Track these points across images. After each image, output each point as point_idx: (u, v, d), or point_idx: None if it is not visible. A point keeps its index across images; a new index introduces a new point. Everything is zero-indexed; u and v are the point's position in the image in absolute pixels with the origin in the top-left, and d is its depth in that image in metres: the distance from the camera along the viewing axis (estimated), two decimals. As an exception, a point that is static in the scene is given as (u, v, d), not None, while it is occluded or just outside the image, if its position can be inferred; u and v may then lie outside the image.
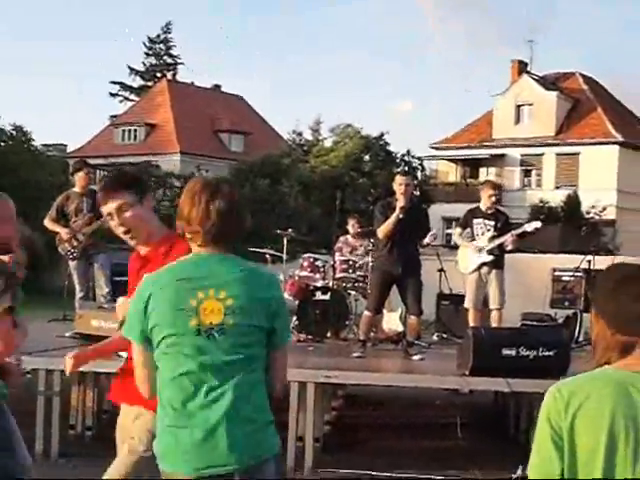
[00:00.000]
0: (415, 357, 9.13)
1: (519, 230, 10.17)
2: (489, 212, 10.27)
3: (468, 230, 10.41)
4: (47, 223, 10.27)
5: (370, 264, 10.84)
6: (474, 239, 10.26)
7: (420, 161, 38.76)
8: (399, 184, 9.19)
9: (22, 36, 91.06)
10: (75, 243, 10.12)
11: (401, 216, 9.02)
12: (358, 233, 11.97)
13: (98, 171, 45.73)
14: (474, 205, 10.65)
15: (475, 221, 10.29)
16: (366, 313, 9.47)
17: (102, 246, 10.26)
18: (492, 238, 10.09)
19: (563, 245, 26.72)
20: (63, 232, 10.13)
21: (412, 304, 9.25)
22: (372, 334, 10.93)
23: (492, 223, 10.19)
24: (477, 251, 10.12)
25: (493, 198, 10.29)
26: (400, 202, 9.05)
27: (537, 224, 10.41)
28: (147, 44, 63.65)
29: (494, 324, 10.02)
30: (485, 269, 10.10)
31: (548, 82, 49.15)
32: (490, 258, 10.05)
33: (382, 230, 9.17)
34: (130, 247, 4.14)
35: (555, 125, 47.06)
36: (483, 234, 10.19)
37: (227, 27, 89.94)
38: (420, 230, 9.30)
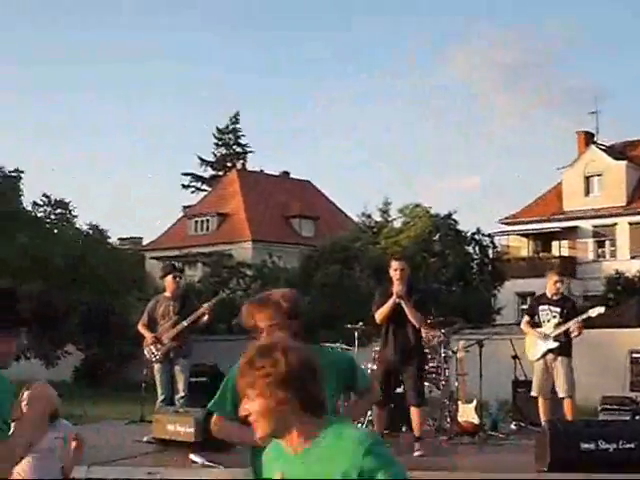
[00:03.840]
0: (415, 454, 8.97)
1: (583, 316, 10.11)
2: (555, 298, 10.26)
3: (535, 317, 10.38)
4: (139, 327, 10.65)
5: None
6: (540, 326, 10.22)
7: (490, 238, 38.41)
8: (393, 269, 9.27)
9: (92, 132, 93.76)
10: (159, 346, 10.34)
11: (397, 301, 9.02)
12: (431, 323, 11.92)
13: (175, 263, 46.57)
14: (540, 292, 10.64)
15: (541, 308, 10.30)
16: (374, 407, 9.29)
17: (185, 349, 10.45)
18: (558, 324, 10.04)
19: (643, 318, 26.09)
20: (148, 336, 10.45)
21: (409, 394, 9.26)
22: (448, 426, 10.86)
23: (558, 310, 10.16)
24: (543, 338, 10.06)
25: (558, 284, 10.33)
26: (395, 287, 9.07)
27: (601, 309, 10.33)
28: (216, 135, 65.07)
29: (567, 413, 9.86)
30: (551, 356, 10.03)
31: (616, 151, 48.73)
32: (556, 345, 9.99)
33: (378, 315, 9.20)
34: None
35: (626, 194, 46.51)
36: (549, 321, 10.15)
37: (293, 112, 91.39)
38: (418, 316, 9.24)
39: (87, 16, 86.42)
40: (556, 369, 9.98)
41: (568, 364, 10.03)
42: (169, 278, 10.69)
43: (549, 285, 10.34)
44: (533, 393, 10.13)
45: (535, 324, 10.31)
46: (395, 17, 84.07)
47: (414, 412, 9.25)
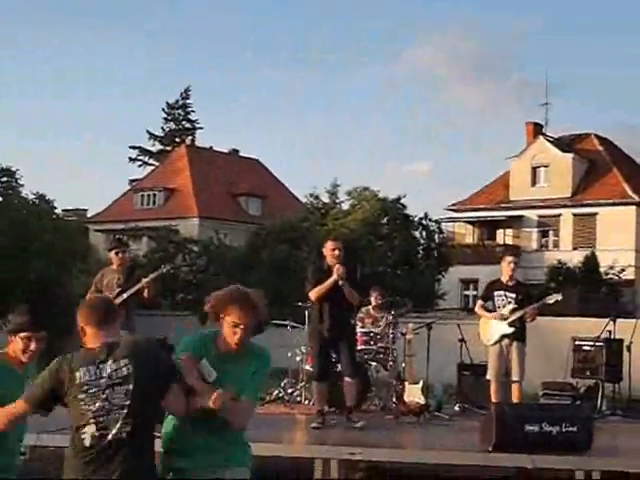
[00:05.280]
0: (358, 424, 9.32)
1: (540, 303, 10.30)
2: (510, 284, 10.41)
3: (489, 302, 10.54)
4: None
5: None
6: (495, 311, 10.38)
7: (437, 224, 38.73)
8: (331, 249, 9.46)
9: (41, 99, 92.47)
10: None
11: (341, 283, 9.23)
12: (380, 305, 12.05)
13: (121, 237, 46.24)
14: (495, 277, 10.79)
15: (496, 293, 10.44)
16: (314, 382, 9.82)
17: (124, 322, 10.34)
18: (513, 310, 10.22)
19: (582, 307, 26.57)
20: None
21: (345, 367, 9.53)
22: (394, 405, 11.01)
23: (513, 295, 10.32)
24: (498, 323, 10.23)
25: (512, 265, 10.46)
26: (337, 269, 9.24)
27: (558, 296, 10.53)
28: (166, 109, 64.59)
29: (514, 397, 10.09)
30: (506, 341, 10.21)
31: (563, 144, 49.39)
32: (511, 330, 10.18)
33: (314, 293, 9.41)
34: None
35: (571, 186, 47.20)
36: (504, 306, 10.31)
37: (244, 88, 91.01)
38: (356, 296, 9.53)
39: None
40: (511, 354, 10.18)
41: (523, 349, 10.25)
42: (112, 254, 10.68)
43: (504, 267, 10.48)
44: (488, 376, 10.30)
45: (488, 309, 10.49)
46: (355, 5, 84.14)
47: (348, 383, 9.50)
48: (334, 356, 9.90)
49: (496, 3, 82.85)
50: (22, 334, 4.73)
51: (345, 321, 9.64)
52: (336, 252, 9.39)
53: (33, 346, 4.76)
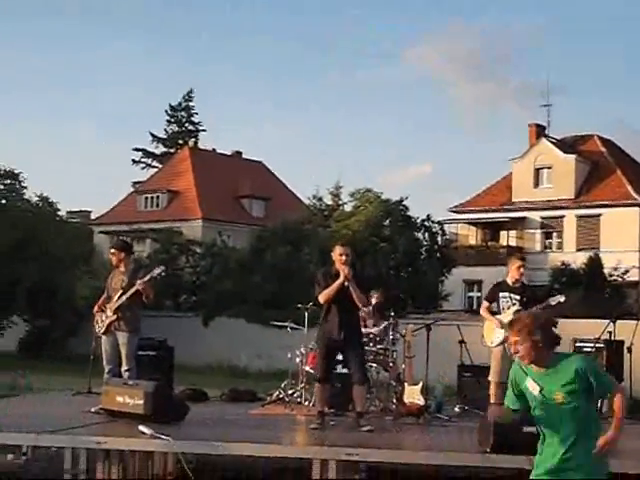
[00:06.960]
0: (364, 429, 9.28)
1: (543, 304, 10.26)
2: (515, 286, 10.39)
3: (494, 304, 10.52)
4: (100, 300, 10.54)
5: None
6: (499, 312, 10.36)
7: (440, 225, 38.70)
8: (339, 254, 9.54)
9: (43, 106, 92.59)
10: (103, 318, 10.28)
11: (346, 284, 9.32)
12: (380, 306, 12.05)
13: (122, 238, 46.34)
14: (499, 279, 10.78)
15: (501, 295, 10.41)
16: (316, 384, 9.81)
17: (126, 323, 10.26)
18: (517, 312, 10.17)
19: (586, 309, 26.52)
20: (95, 309, 10.37)
21: (355, 372, 9.50)
22: (394, 407, 11.01)
23: (518, 297, 10.29)
24: (502, 325, 10.20)
25: (522, 269, 10.42)
26: (344, 270, 9.35)
27: (561, 298, 10.47)
28: (169, 112, 64.62)
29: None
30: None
31: (566, 145, 49.37)
32: None
33: (323, 296, 9.45)
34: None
35: (574, 188, 47.19)
36: (509, 308, 10.27)
37: (248, 92, 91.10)
38: (362, 298, 9.61)
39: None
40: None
41: None
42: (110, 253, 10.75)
43: (512, 270, 10.44)
44: (490, 377, 10.27)
45: (493, 311, 10.46)
46: (355, 5, 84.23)
47: (358, 389, 9.50)
48: (340, 358, 9.93)
49: (498, 4, 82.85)
50: None
51: (352, 323, 9.64)
52: (343, 257, 9.48)
53: None
